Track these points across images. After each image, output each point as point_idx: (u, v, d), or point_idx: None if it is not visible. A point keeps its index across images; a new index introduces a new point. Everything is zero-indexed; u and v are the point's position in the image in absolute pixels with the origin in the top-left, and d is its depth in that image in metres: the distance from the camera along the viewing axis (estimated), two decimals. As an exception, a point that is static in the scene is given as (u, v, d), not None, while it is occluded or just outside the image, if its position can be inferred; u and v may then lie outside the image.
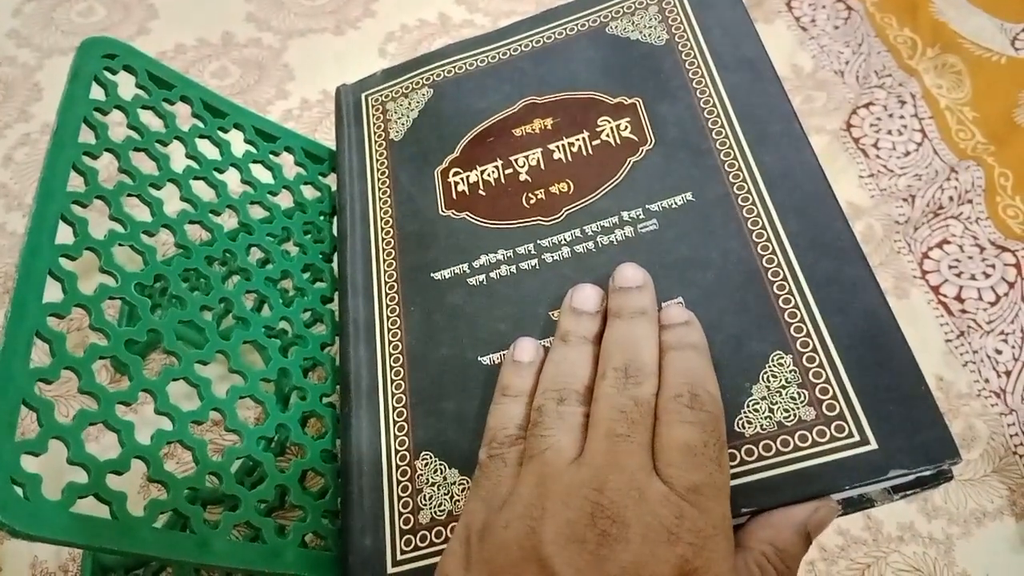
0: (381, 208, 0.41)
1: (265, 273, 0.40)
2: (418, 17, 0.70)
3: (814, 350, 0.30)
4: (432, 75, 0.45)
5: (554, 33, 0.43)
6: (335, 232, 0.44)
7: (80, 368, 0.30)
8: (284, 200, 0.43)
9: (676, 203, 0.35)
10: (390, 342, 0.37)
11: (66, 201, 0.33)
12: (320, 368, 0.40)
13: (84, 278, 0.33)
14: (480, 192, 0.39)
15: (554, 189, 0.38)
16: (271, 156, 0.44)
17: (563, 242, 0.36)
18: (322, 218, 0.45)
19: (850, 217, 0.57)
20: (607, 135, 0.39)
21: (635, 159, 0.37)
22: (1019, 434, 0.47)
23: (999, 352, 0.51)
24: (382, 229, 0.41)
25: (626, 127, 0.38)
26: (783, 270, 0.32)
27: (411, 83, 0.45)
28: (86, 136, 0.36)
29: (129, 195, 0.36)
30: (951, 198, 0.58)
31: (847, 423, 0.29)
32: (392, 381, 0.36)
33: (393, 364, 0.37)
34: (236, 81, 0.64)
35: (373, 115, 0.45)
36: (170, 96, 0.40)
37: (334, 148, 0.46)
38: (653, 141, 0.38)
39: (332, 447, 0.37)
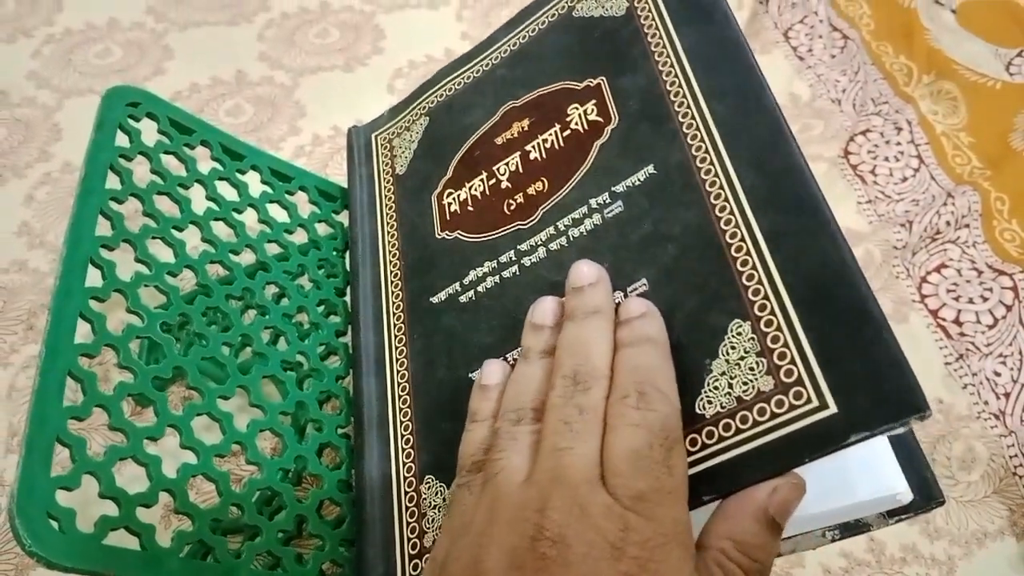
0: (389, 242, 0.42)
1: (282, 309, 0.42)
2: (424, 53, 0.72)
3: (772, 312, 0.28)
4: (427, 103, 0.45)
5: (528, 31, 0.42)
6: (348, 268, 0.45)
7: (110, 406, 0.32)
8: (299, 238, 0.45)
9: (639, 180, 0.34)
10: (397, 371, 0.38)
11: (94, 245, 0.35)
12: (335, 400, 0.41)
13: (109, 314, 0.35)
14: (469, 208, 0.39)
15: (531, 190, 0.37)
16: (287, 196, 0.46)
17: (539, 243, 0.36)
18: (335, 254, 0.47)
19: (849, 243, 0.58)
20: (575, 123, 0.37)
21: (601, 141, 0.36)
22: (1019, 455, 0.48)
23: (998, 374, 0.52)
24: (390, 262, 0.42)
25: (592, 110, 0.37)
26: (740, 230, 0.30)
27: (411, 115, 0.46)
28: (112, 181, 0.38)
29: (153, 237, 0.38)
30: (948, 223, 0.59)
31: (805, 388, 0.26)
32: (400, 410, 0.37)
33: (400, 393, 0.38)
34: (250, 119, 0.66)
35: (381, 153, 0.46)
36: (190, 141, 0.42)
37: (346, 186, 0.47)
38: (617, 119, 0.36)
39: (348, 477, 0.39)
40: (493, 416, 0.31)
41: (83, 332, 0.33)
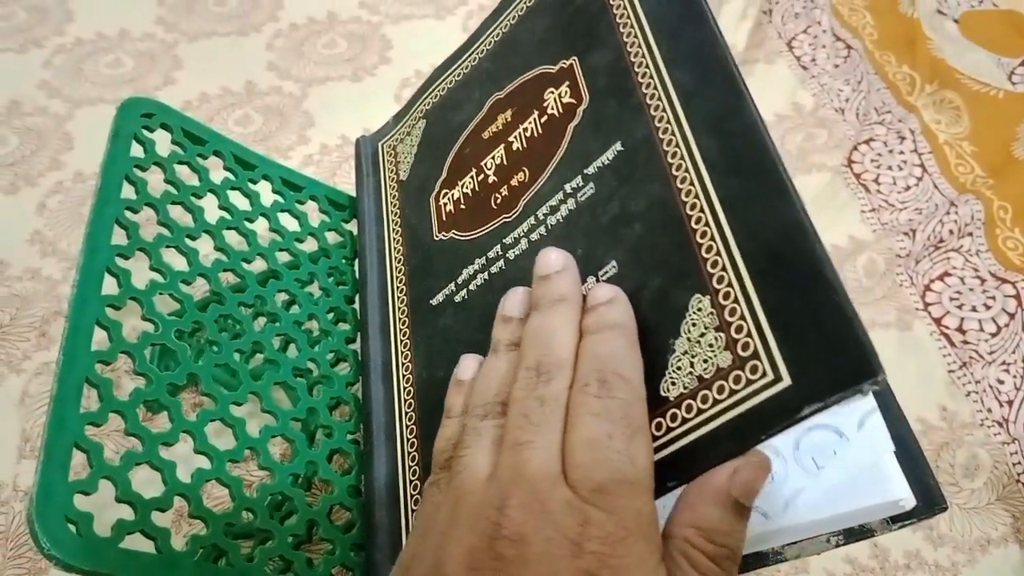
0: (394, 248, 0.43)
1: (293, 316, 0.42)
2: (431, 63, 0.72)
3: (729, 284, 0.26)
4: (424, 106, 0.46)
5: (508, 20, 0.42)
6: (357, 275, 0.46)
7: (126, 411, 0.32)
8: (309, 246, 0.46)
9: (608, 159, 0.33)
10: (403, 376, 0.39)
11: (111, 254, 0.35)
12: (345, 406, 0.42)
13: (123, 322, 0.35)
14: (461, 207, 0.39)
15: (514, 182, 0.36)
16: (297, 205, 0.46)
17: (521, 234, 0.35)
18: (345, 262, 0.47)
19: (853, 251, 0.59)
20: (551, 108, 0.36)
21: (574, 124, 0.35)
22: (1022, 462, 0.49)
23: (1001, 382, 0.52)
24: (395, 268, 0.42)
25: (566, 92, 0.36)
26: (700, 200, 0.28)
27: (411, 120, 0.46)
28: (127, 191, 0.38)
29: (168, 246, 0.38)
30: (951, 231, 0.60)
31: (761, 362, 0.24)
32: (406, 414, 0.38)
33: (406, 397, 0.38)
34: (259, 128, 0.67)
35: (387, 161, 0.47)
36: (203, 151, 0.43)
37: (355, 195, 0.48)
38: (588, 98, 0.35)
39: (358, 482, 0.39)
40: (465, 411, 0.30)
41: (99, 339, 0.34)
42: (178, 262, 0.39)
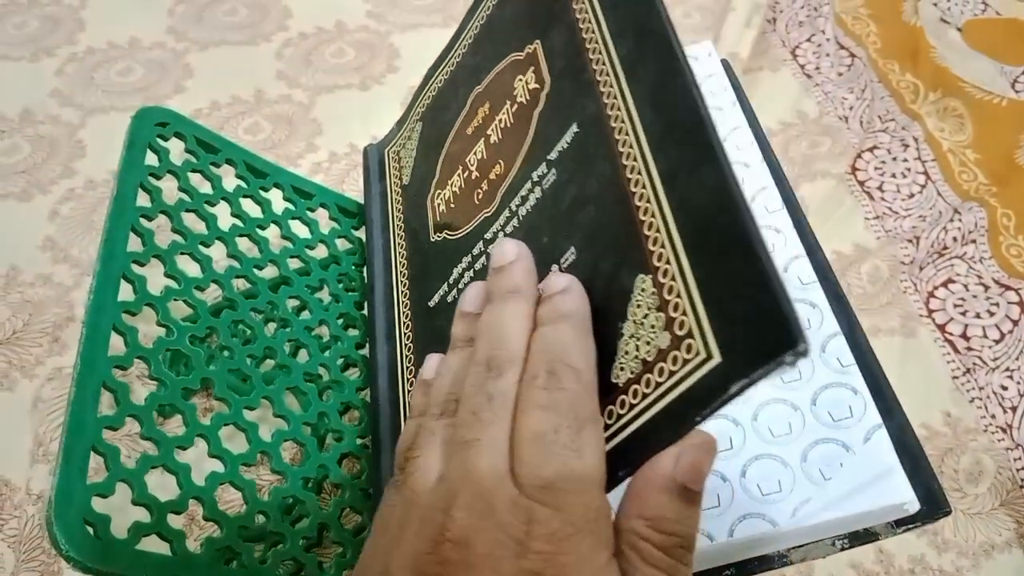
0: (398, 253, 0.43)
1: (303, 322, 0.43)
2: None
3: (668, 261, 0.25)
4: (420, 108, 0.46)
5: (484, 12, 0.41)
6: (366, 281, 0.47)
7: (142, 415, 0.33)
8: (320, 253, 0.46)
9: (567, 142, 0.31)
10: (407, 379, 0.39)
11: (126, 261, 0.36)
12: (355, 410, 0.42)
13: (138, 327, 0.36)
14: (451, 206, 0.38)
15: (492, 175, 0.35)
16: (308, 212, 0.47)
17: (499, 228, 0.34)
18: (354, 269, 0.48)
19: (857, 258, 0.60)
20: (520, 95, 0.35)
21: (538, 109, 0.34)
22: (1025, 468, 0.49)
23: (1005, 388, 0.53)
24: (400, 273, 0.43)
25: (531, 78, 0.35)
26: (643, 176, 0.27)
27: (410, 124, 0.47)
28: (142, 199, 0.39)
29: (182, 253, 0.39)
30: (955, 238, 0.60)
31: (695, 340, 0.23)
32: None
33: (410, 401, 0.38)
34: (268, 136, 0.67)
35: (392, 167, 0.47)
36: (216, 159, 0.43)
37: (363, 202, 0.49)
38: (548, 82, 0.34)
39: (368, 486, 0.40)
40: (424, 411, 0.29)
41: (114, 344, 0.34)
42: (192, 269, 0.39)
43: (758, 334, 0.21)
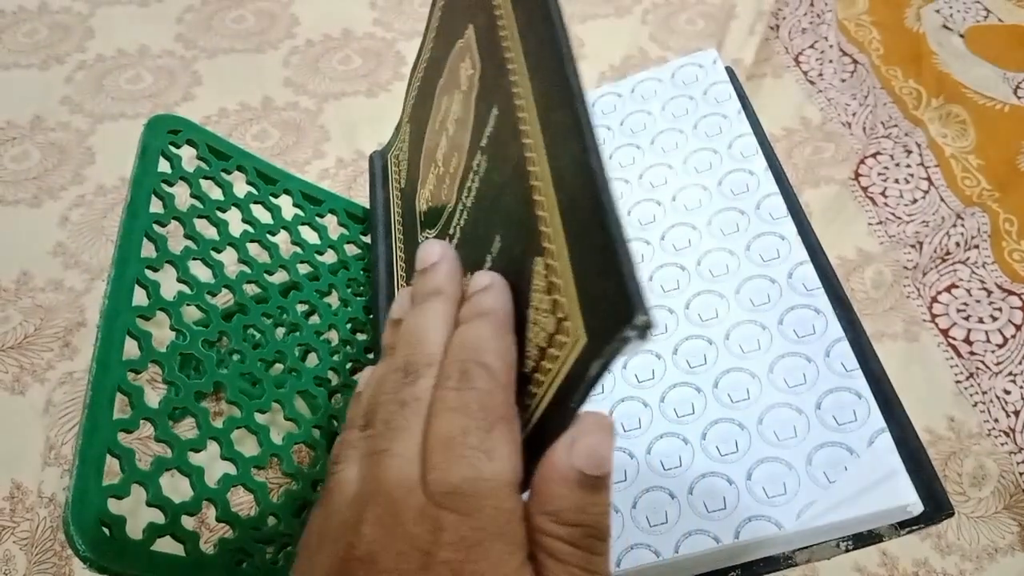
0: (398, 257, 0.44)
1: (313, 327, 0.43)
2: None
3: (552, 240, 0.24)
4: (407, 110, 0.46)
5: (439, 5, 0.40)
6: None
7: (156, 418, 0.33)
8: (329, 258, 0.47)
9: (492, 127, 0.30)
10: None
11: (140, 267, 0.37)
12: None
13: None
14: (430, 204, 0.38)
15: (451, 168, 0.35)
16: (317, 218, 0.47)
17: (455, 222, 0.33)
18: (363, 274, 0.48)
19: (860, 264, 0.60)
20: (463, 83, 0.34)
21: (474, 95, 0.32)
22: (1029, 471, 0.49)
23: (1008, 392, 0.53)
24: (400, 277, 0.43)
25: (468, 64, 0.34)
26: (535, 154, 0.26)
27: (403, 127, 0.47)
28: (155, 205, 0.39)
29: (194, 258, 0.40)
30: (958, 244, 0.61)
31: (571, 322, 0.22)
32: None
33: None
34: (276, 143, 0.68)
35: (392, 172, 0.48)
36: (227, 166, 0.44)
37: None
38: (479, 66, 0.32)
39: (377, 489, 0.40)
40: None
41: (128, 348, 0.35)
42: (204, 274, 0.40)
43: (609, 312, 0.20)
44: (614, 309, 0.19)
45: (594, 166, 0.22)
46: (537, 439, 0.23)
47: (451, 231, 0.33)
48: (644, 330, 0.19)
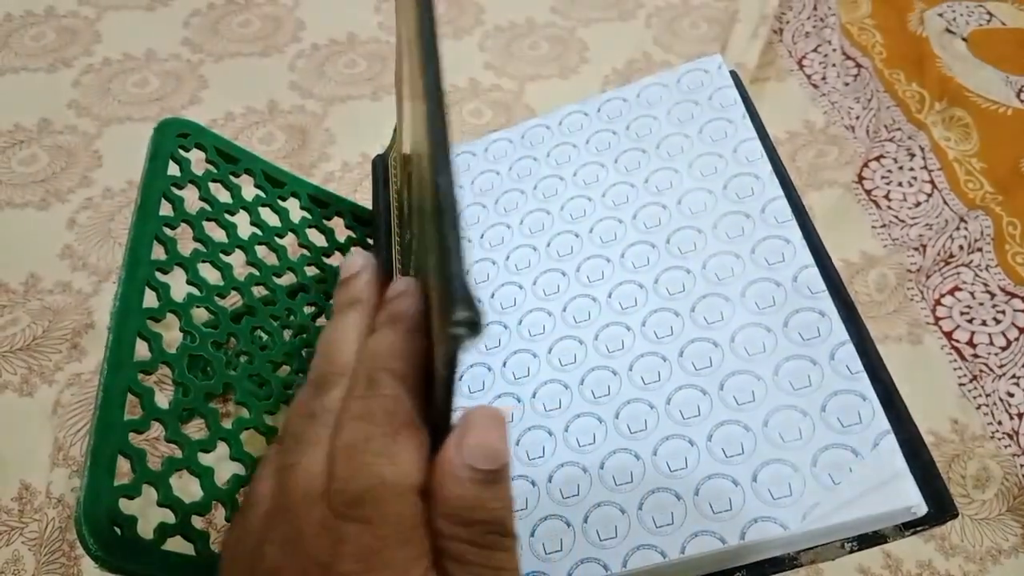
0: (396, 260, 0.44)
1: (321, 329, 0.44)
2: (449, 83, 0.74)
3: (431, 248, 0.23)
4: (398, 112, 0.45)
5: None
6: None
7: (167, 419, 0.34)
8: (336, 260, 0.47)
9: (422, 120, 0.29)
10: None
11: (151, 269, 0.37)
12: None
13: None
14: (410, 206, 0.37)
15: (412, 168, 0.34)
16: (324, 221, 0.48)
17: (415, 225, 0.32)
18: (370, 276, 0.49)
19: (864, 266, 0.60)
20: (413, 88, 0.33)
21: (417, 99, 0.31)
22: (1032, 474, 0.50)
23: (1011, 395, 0.53)
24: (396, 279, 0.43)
25: (409, 70, 0.32)
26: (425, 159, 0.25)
27: (399, 130, 0.47)
28: (165, 209, 0.40)
29: (203, 261, 0.40)
30: (961, 246, 0.61)
31: (453, 305, 0.20)
32: None
33: None
34: (282, 146, 0.68)
35: (392, 174, 0.48)
36: (235, 169, 0.44)
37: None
38: (408, 72, 0.32)
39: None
40: None
41: (139, 349, 0.35)
42: (213, 276, 0.40)
43: (444, 311, 0.20)
44: (445, 308, 0.19)
45: (439, 156, 0.21)
46: (435, 440, 0.23)
47: (415, 230, 0.33)
48: (472, 326, 0.19)
